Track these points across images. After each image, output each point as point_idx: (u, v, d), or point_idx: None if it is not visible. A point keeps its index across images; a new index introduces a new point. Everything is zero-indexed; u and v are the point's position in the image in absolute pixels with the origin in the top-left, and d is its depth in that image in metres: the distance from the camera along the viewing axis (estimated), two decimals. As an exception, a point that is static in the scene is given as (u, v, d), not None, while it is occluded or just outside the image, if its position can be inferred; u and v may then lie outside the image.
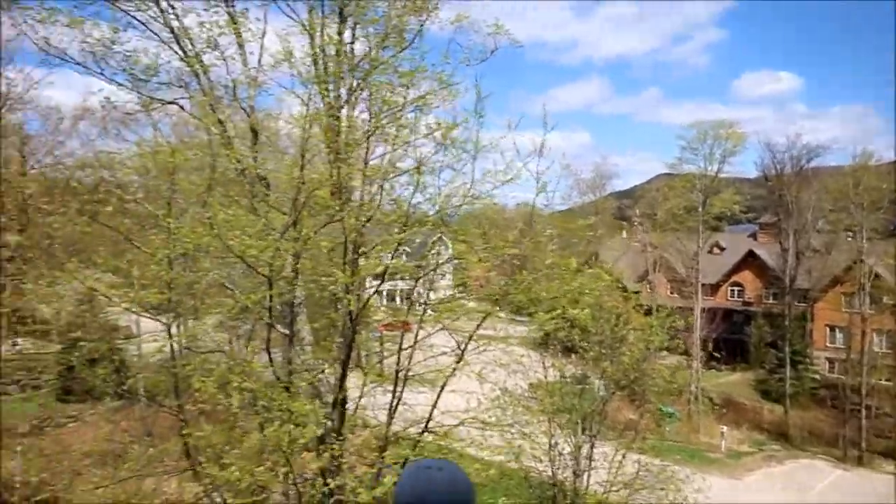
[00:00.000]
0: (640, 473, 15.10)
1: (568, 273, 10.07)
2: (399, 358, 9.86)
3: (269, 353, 8.94)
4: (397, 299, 16.37)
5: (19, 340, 29.74)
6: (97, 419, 32.27)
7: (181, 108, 9.97)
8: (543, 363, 16.87)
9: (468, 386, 10.61)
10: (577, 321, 11.36)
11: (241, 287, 9.11)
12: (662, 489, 15.05)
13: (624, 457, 15.26)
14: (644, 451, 15.93)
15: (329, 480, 8.34)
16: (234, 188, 9.77)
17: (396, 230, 9.23)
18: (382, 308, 14.53)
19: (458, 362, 9.69)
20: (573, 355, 17.51)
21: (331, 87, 9.46)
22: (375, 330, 15.45)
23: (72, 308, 31.43)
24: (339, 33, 9.77)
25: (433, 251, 11.36)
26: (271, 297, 8.49)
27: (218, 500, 9.17)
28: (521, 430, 11.78)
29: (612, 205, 76.70)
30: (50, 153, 21.54)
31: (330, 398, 9.40)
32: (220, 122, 9.57)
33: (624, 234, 65.80)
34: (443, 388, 9.88)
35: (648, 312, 31.57)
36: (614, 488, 15.14)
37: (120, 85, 9.33)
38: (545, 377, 16.75)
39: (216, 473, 8.45)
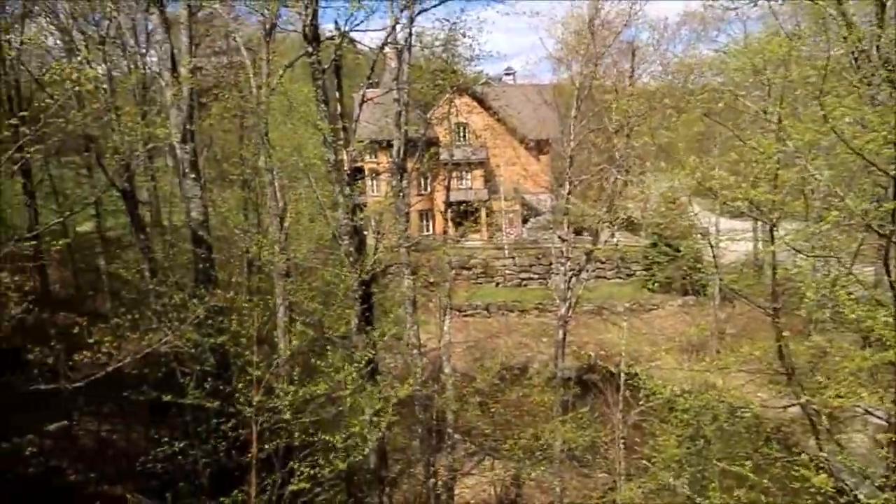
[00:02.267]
0: None
1: None
2: None
3: (888, 267, 7.79)
4: None
5: (616, 233, 34.67)
6: (675, 310, 35.56)
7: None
8: None
9: None
10: None
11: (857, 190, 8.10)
12: None
13: None
14: None
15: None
16: (853, 77, 8.57)
17: None
18: None
19: None
20: None
21: None
22: None
23: (656, 207, 34.67)
24: None
25: None
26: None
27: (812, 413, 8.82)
28: None
29: None
30: (656, 61, 23.78)
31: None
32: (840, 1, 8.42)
33: None
34: None
35: None
36: None
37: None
38: None
39: (812, 386, 8.11)
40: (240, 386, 11.78)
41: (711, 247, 14.96)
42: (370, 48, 17.17)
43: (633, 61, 24.32)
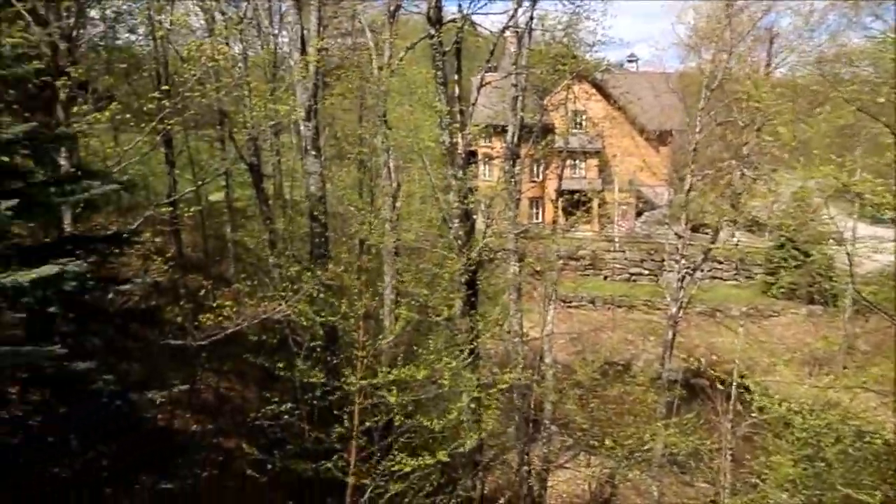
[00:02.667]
0: None
1: None
2: None
3: None
4: None
5: (736, 233, 32.68)
6: (798, 319, 33.08)
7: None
8: None
9: None
10: None
11: None
12: None
13: None
14: None
15: None
16: None
17: None
18: None
19: None
20: None
21: None
22: None
23: (785, 208, 32.27)
24: None
25: None
26: None
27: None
28: None
29: None
30: (798, 50, 21.94)
31: None
32: None
33: None
34: None
35: None
36: None
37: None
38: None
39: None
40: (345, 360, 12.23)
41: (848, 254, 13.72)
42: (490, 31, 17.05)
43: (770, 49, 22.53)
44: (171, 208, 13.78)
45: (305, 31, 14.75)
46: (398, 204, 16.36)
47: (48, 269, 6.30)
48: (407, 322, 12.86)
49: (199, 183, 16.02)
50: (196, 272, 19.64)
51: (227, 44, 15.31)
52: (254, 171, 16.81)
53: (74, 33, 9.77)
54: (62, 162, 9.68)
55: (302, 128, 15.02)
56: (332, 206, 19.02)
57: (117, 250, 8.08)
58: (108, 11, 14.73)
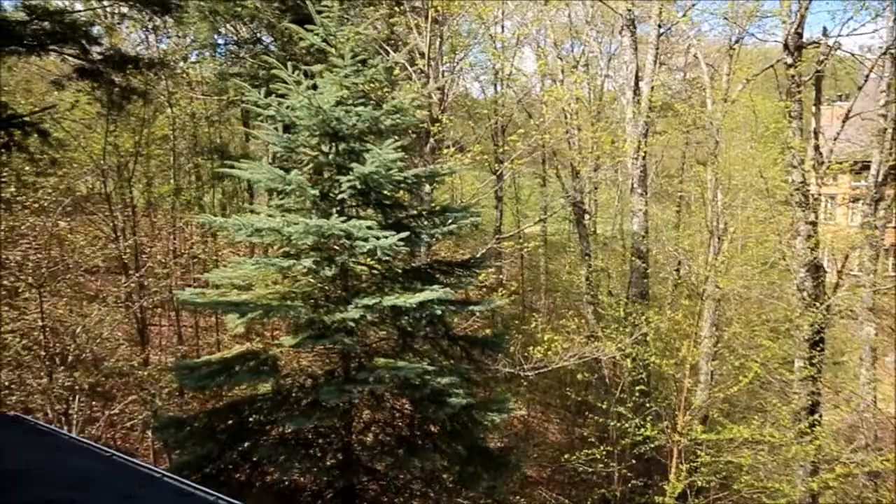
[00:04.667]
0: None
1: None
2: None
3: None
4: None
5: None
6: None
7: None
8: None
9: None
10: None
11: None
12: None
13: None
14: None
15: None
16: None
17: None
18: None
19: None
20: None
21: None
22: None
23: None
24: None
25: None
26: None
27: None
28: None
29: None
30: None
31: None
32: None
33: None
34: None
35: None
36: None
37: None
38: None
39: None
40: (663, 409, 11.61)
41: None
42: (852, 53, 14.86)
43: None
44: (511, 241, 14.79)
45: (640, 69, 14.67)
46: (724, 245, 15.12)
47: (429, 294, 7.16)
48: (733, 372, 11.76)
49: (538, 219, 16.92)
50: (515, 301, 20.76)
51: (560, 84, 16.02)
52: (577, 207, 17.20)
53: (447, 88, 11.20)
54: (424, 196, 11.09)
55: (630, 166, 14.90)
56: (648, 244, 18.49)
57: (471, 277, 8.86)
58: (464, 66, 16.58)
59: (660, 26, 13.96)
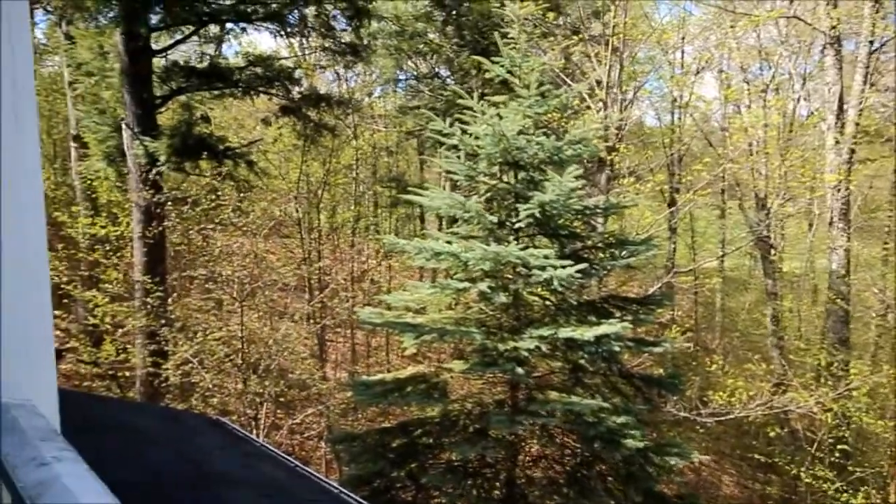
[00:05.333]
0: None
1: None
2: None
3: None
4: None
5: None
6: None
7: None
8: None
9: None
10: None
11: None
12: None
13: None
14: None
15: None
16: None
17: None
18: None
19: None
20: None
21: None
22: None
23: None
24: None
25: None
26: None
27: None
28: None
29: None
30: None
31: None
32: None
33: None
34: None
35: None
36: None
37: None
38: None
39: None
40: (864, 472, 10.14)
41: None
42: None
43: None
44: (688, 276, 13.96)
45: (844, 90, 13.22)
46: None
47: (607, 329, 6.88)
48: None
49: (720, 254, 15.84)
50: (686, 340, 19.48)
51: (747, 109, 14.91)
52: (762, 241, 15.79)
53: (625, 117, 10.91)
54: (597, 226, 10.78)
55: (829, 197, 13.42)
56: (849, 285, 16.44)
57: (648, 315, 8.41)
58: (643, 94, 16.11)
59: (871, 42, 12.50)
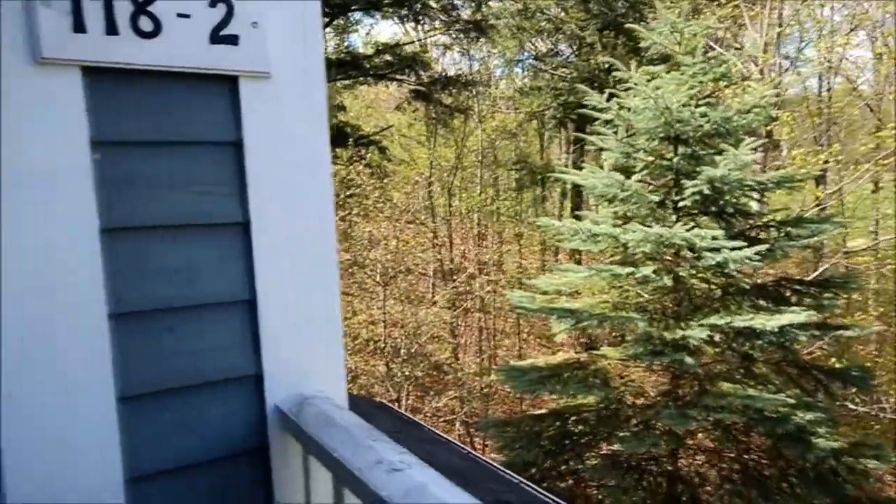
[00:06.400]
0: None
1: None
2: None
3: None
4: None
5: None
6: None
7: None
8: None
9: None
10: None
11: None
12: None
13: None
14: None
15: None
16: None
17: None
18: None
19: None
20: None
21: None
22: None
23: None
24: None
25: None
26: None
27: None
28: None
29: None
30: None
31: None
32: None
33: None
34: None
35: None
36: None
37: None
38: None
39: None
40: None
41: None
42: None
43: None
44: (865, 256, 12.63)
45: None
46: None
47: (792, 317, 6.21)
48: None
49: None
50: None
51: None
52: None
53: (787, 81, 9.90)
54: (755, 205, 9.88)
55: None
56: None
57: (833, 299, 7.56)
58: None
59: None
